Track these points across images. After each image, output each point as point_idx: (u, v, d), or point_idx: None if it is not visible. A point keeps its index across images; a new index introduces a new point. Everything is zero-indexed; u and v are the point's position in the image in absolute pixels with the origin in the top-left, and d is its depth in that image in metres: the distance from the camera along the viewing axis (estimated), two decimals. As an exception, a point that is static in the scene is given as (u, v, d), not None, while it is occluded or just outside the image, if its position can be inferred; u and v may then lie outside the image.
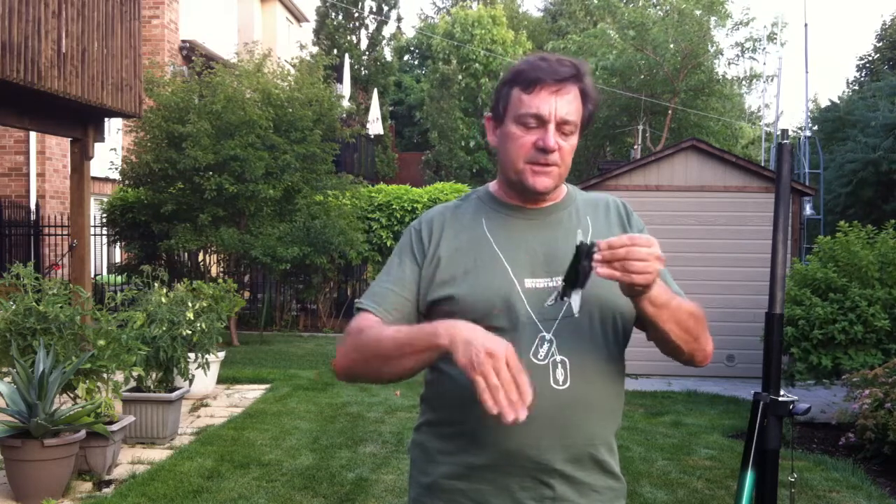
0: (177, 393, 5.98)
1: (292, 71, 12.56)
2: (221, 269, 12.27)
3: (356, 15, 24.17)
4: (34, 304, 5.20)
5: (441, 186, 13.88)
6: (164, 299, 6.30)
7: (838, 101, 20.68)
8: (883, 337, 6.67)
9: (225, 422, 6.59)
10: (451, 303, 1.59)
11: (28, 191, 12.28)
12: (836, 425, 6.58)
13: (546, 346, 1.56)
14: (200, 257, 12.23)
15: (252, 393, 7.78)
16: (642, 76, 23.65)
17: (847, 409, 6.41)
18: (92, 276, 9.50)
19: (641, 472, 5.41)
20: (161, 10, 15.20)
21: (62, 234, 11.78)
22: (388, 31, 25.99)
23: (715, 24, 24.36)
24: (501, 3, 30.60)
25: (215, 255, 12.23)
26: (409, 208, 13.09)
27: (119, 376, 5.43)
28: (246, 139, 10.62)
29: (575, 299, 1.48)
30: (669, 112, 23.58)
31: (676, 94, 23.30)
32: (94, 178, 10.51)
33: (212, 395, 7.57)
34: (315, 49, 21.86)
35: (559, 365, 1.56)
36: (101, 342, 5.18)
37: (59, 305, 5.25)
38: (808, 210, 14.18)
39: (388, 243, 12.91)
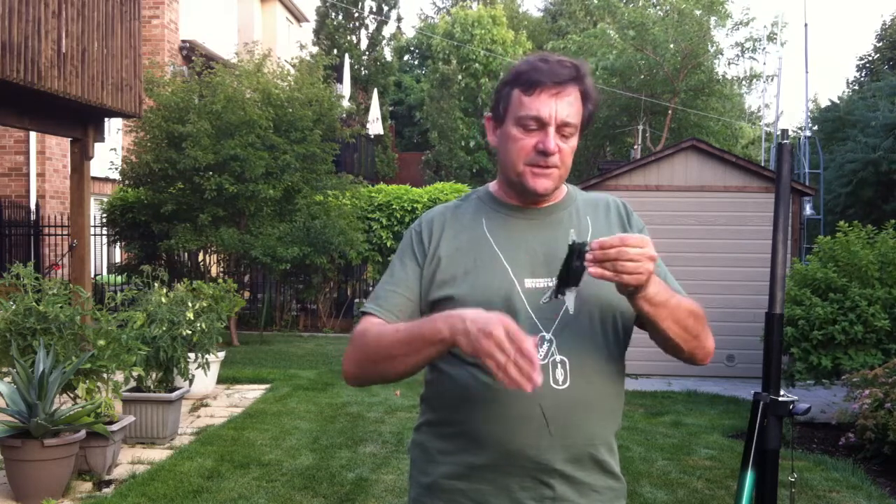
0: (177, 393, 5.98)
1: (292, 71, 12.56)
2: (221, 269, 12.27)
3: (356, 15, 24.18)
4: (34, 304, 5.20)
5: (441, 186, 13.88)
6: (164, 299, 6.30)
7: (838, 101, 20.68)
8: (883, 337, 6.67)
9: (225, 422, 6.59)
10: (452, 303, 1.59)
11: (28, 191, 12.29)
12: (836, 425, 6.58)
13: (546, 345, 1.56)
14: (200, 257, 12.23)
15: (252, 393, 7.78)
16: (642, 76, 23.65)
17: (847, 409, 6.40)
18: (92, 276, 9.50)
19: (641, 472, 5.41)
20: (161, 10, 15.20)
21: (62, 234, 11.78)
22: (388, 31, 26.04)
23: (715, 24, 24.38)
24: (501, 3, 30.60)
25: (215, 255, 12.23)
26: (409, 208, 13.09)
27: (119, 376, 5.43)
28: (246, 139, 10.62)
29: (569, 298, 1.49)
30: (669, 112, 23.58)
31: (676, 94, 23.30)
32: (94, 178, 10.51)
33: (212, 395, 7.57)
34: (315, 49, 21.87)
35: (559, 365, 1.56)
36: (101, 342, 5.18)
37: (59, 305, 5.25)
38: (808, 210, 14.18)
39: (388, 243, 12.91)
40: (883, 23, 28.06)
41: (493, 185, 1.75)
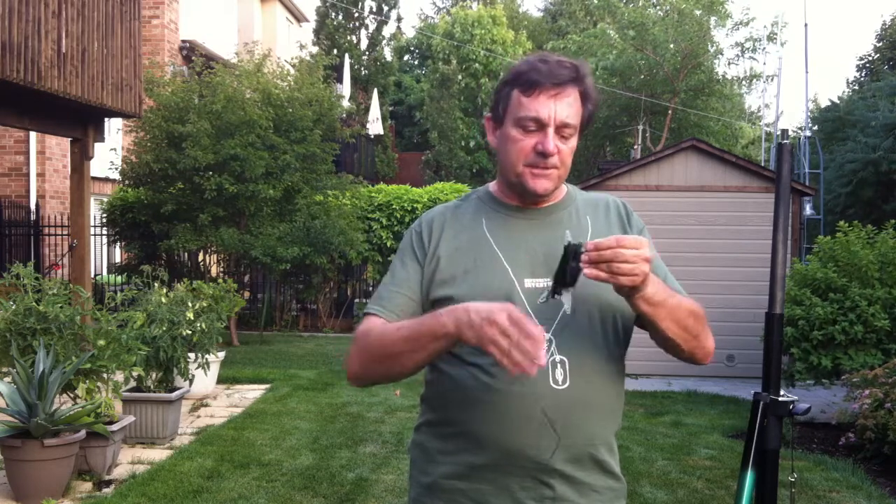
0: (177, 393, 5.98)
1: (292, 71, 12.56)
2: (221, 269, 12.27)
3: (356, 15, 24.19)
4: (34, 304, 5.20)
5: (441, 186, 13.88)
6: (164, 299, 6.30)
7: (838, 101, 20.68)
8: (883, 337, 6.67)
9: (225, 422, 6.59)
10: (451, 303, 1.58)
11: (28, 191, 12.29)
12: (836, 425, 6.58)
13: (546, 345, 1.56)
14: (200, 257, 12.24)
15: (252, 393, 7.78)
16: (642, 76, 23.65)
17: (847, 409, 6.40)
18: (92, 276, 9.50)
19: (641, 472, 5.41)
20: (161, 10, 15.20)
21: (62, 234, 11.78)
22: (388, 31, 26.05)
23: (715, 24, 24.38)
24: (501, 3, 30.61)
25: (215, 255, 12.23)
26: (409, 208, 13.09)
27: (119, 376, 5.43)
28: (246, 139, 10.62)
29: (566, 298, 1.49)
30: (669, 112, 23.58)
31: (676, 94, 23.31)
32: (94, 178, 10.51)
33: (212, 395, 7.57)
34: (315, 49, 21.87)
35: (559, 365, 1.56)
36: (101, 342, 5.18)
37: (59, 305, 5.25)
38: (808, 210, 14.18)
39: (388, 243, 12.91)
40: (883, 23, 28.09)
41: (492, 185, 1.76)
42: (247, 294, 12.72)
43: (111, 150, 11.65)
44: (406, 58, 32.30)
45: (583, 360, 1.58)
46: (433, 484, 1.66)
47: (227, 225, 10.93)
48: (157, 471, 5.18)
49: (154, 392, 5.95)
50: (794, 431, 6.44)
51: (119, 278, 12.00)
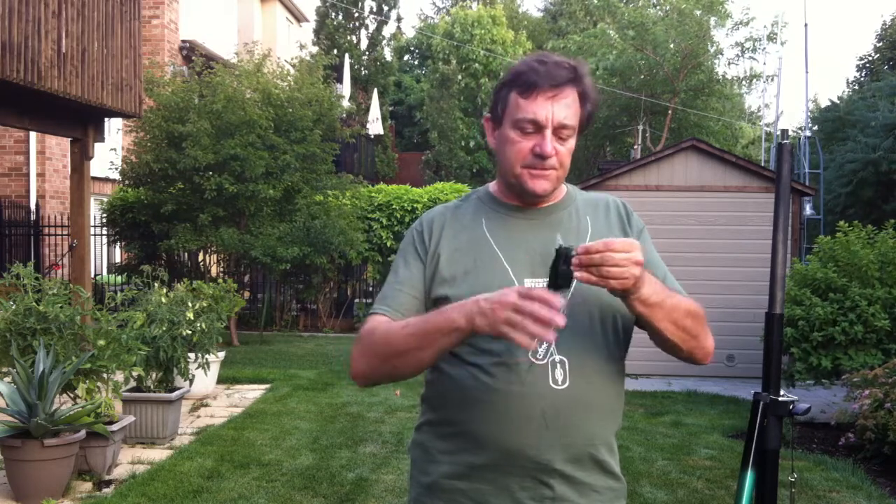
0: (177, 393, 5.98)
1: (292, 71, 12.56)
2: (221, 269, 12.27)
3: (356, 15, 24.18)
4: (34, 304, 5.20)
5: (441, 186, 13.87)
6: (164, 299, 6.30)
7: (838, 101, 20.67)
8: (883, 337, 6.67)
9: (225, 422, 6.59)
10: (451, 303, 1.59)
11: (28, 191, 12.29)
12: (836, 425, 6.58)
13: (545, 345, 1.55)
14: (200, 257, 12.24)
15: (252, 393, 7.78)
16: (642, 76, 23.65)
17: (847, 410, 6.40)
18: (92, 276, 9.50)
19: (641, 472, 5.41)
20: (161, 10, 15.21)
21: (62, 234, 11.78)
22: (388, 31, 26.03)
23: (715, 24, 24.36)
24: (501, 3, 30.60)
25: (215, 255, 12.23)
26: (409, 208, 13.09)
27: (119, 376, 5.43)
28: (246, 139, 10.62)
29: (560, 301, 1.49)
30: (669, 112, 23.58)
31: (676, 94, 23.30)
32: (94, 178, 10.51)
33: (212, 395, 7.57)
34: (315, 49, 21.86)
35: (558, 364, 1.56)
36: (101, 342, 5.18)
37: (59, 305, 5.25)
38: (808, 210, 14.18)
39: (388, 243, 12.91)
40: (883, 23, 28.08)
41: (492, 186, 1.76)
42: (247, 294, 12.72)
43: (111, 150, 11.65)
44: (406, 58, 32.29)
45: (583, 360, 1.58)
46: (433, 484, 1.66)
47: (227, 225, 10.93)
48: (157, 471, 5.18)
49: (154, 392, 5.95)
50: (794, 431, 6.43)
51: (119, 278, 12.00)
